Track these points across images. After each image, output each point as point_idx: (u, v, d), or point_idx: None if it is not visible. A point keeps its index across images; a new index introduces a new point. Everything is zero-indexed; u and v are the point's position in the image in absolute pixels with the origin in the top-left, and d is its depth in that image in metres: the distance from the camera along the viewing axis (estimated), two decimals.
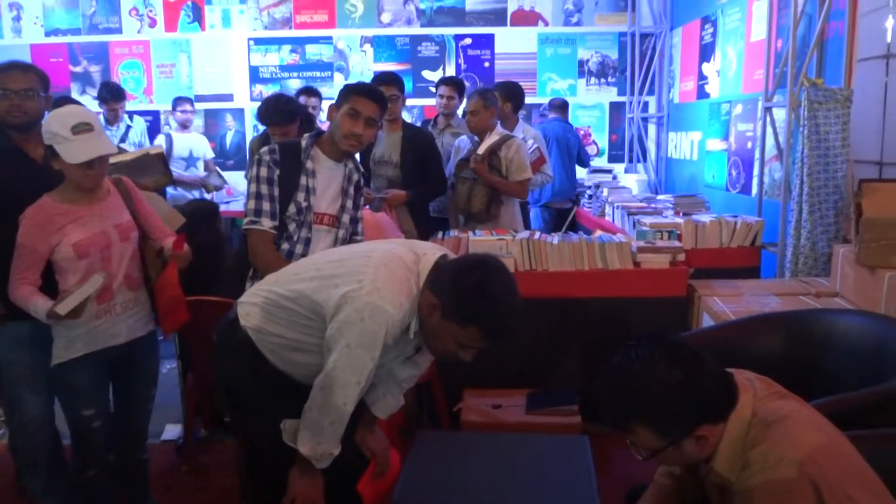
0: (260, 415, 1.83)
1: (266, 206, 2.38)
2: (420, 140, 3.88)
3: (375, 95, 2.46)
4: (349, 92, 2.44)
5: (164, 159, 3.67)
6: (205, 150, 5.89)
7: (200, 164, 5.79)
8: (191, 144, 5.76)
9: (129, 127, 5.70)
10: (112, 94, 5.50)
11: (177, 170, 5.44)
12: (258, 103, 6.40)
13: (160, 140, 5.74)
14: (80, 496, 2.39)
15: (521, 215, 4.20)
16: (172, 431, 3.47)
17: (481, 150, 3.75)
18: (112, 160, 2.44)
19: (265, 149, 2.45)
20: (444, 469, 2.19)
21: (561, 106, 5.76)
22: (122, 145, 5.37)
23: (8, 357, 2.42)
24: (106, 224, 2.25)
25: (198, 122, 6.75)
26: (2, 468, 3.07)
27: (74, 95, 6.42)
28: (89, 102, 5.89)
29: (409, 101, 6.21)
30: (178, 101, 5.90)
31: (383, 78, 3.88)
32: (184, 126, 5.86)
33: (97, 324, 2.23)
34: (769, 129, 4.13)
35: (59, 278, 2.22)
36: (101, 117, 5.55)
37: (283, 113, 3.57)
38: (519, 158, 3.79)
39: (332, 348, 1.65)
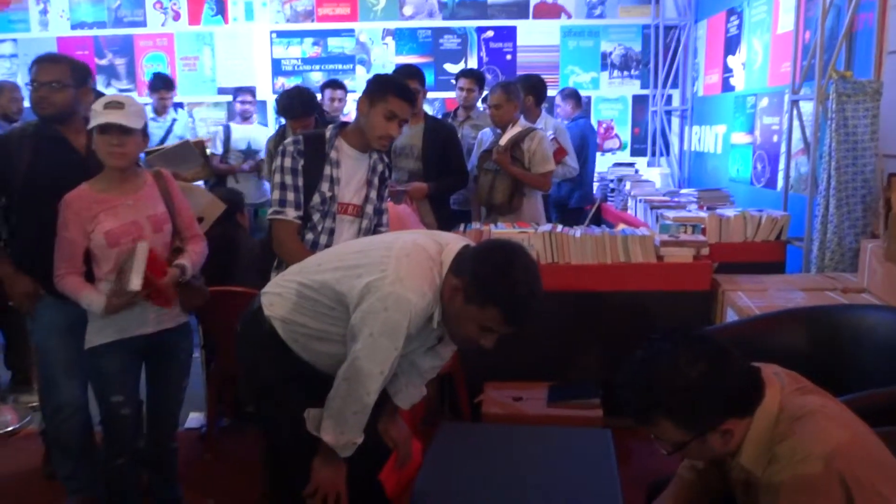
0: (283, 404, 1.84)
1: (290, 196, 2.39)
2: (442, 132, 3.88)
3: (410, 96, 2.46)
4: (385, 90, 2.40)
5: (203, 150, 3.66)
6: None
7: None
8: (250, 136, 5.42)
9: (174, 120, 5.66)
10: (164, 84, 5.52)
11: (235, 163, 5.28)
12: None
13: (219, 132, 5.47)
14: (105, 485, 2.42)
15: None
16: (196, 420, 3.51)
17: (503, 141, 3.74)
18: (152, 148, 2.46)
19: (289, 139, 2.46)
20: (466, 460, 2.20)
21: (573, 95, 5.55)
22: (168, 138, 5.34)
23: (45, 343, 2.48)
24: (139, 214, 2.28)
25: (220, 113, 6.79)
26: (30, 454, 3.13)
27: (100, 88, 6.49)
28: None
29: (431, 94, 6.20)
30: (238, 92, 5.64)
31: (405, 71, 3.88)
32: (244, 117, 5.54)
33: (128, 311, 2.25)
34: (796, 123, 4.07)
35: (94, 267, 2.26)
36: (150, 108, 5.52)
37: (305, 105, 3.59)
38: (542, 150, 3.78)
39: (356, 338, 1.66)
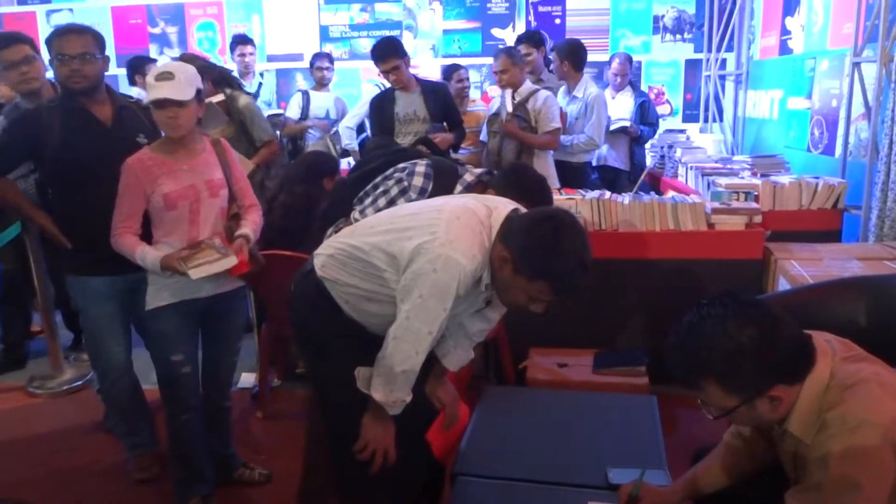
0: (334, 362, 1.89)
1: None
2: (439, 92, 4.07)
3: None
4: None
5: (227, 108, 3.71)
6: (343, 110, 5.33)
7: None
8: (328, 105, 5.23)
9: (261, 84, 5.58)
10: (239, 40, 5.46)
11: (312, 132, 5.15)
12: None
13: (297, 98, 5.24)
14: (171, 440, 2.50)
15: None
16: (248, 380, 3.62)
17: (509, 108, 3.94)
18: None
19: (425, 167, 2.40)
20: (511, 423, 2.22)
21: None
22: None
23: (89, 310, 2.57)
24: (197, 179, 2.33)
25: (270, 81, 6.83)
26: (91, 410, 3.27)
27: (153, 56, 6.60)
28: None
29: (479, 60, 6.16)
30: (316, 58, 5.42)
31: (378, 55, 3.92)
32: (321, 84, 5.34)
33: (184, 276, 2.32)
34: (857, 86, 3.92)
35: (152, 229, 2.33)
36: (236, 72, 5.33)
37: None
38: (546, 110, 3.93)
39: (405, 299, 1.69)
